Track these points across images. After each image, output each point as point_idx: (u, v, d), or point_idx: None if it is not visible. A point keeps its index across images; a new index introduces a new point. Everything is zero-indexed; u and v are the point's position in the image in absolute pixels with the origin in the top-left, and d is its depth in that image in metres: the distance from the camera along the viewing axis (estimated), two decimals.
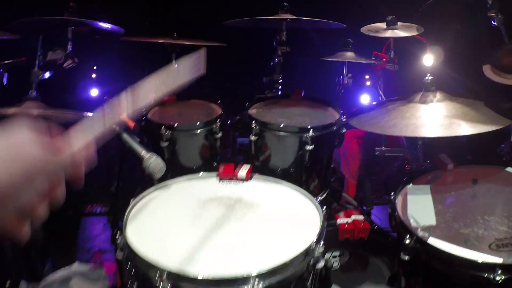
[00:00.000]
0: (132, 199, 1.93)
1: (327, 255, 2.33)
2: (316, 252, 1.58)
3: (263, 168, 2.55)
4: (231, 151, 3.02)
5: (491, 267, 1.63)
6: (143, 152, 2.07)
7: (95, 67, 3.62)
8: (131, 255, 1.57)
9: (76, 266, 1.84)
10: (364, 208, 2.88)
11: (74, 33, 3.06)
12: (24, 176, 0.80)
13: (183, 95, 3.09)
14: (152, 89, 1.05)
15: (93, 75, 3.64)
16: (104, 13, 3.31)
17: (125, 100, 1.02)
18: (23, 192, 0.81)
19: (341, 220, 2.39)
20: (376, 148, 3.15)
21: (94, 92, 4.18)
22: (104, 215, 4.23)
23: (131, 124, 2.92)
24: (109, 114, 0.98)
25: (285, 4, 3.16)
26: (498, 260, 1.70)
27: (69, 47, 2.99)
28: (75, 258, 3.72)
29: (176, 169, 2.57)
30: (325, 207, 1.83)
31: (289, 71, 3.34)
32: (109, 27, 3.14)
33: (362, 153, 3.92)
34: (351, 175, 4.51)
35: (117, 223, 2.64)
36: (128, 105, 1.01)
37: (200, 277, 1.42)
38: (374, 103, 3.36)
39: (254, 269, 1.43)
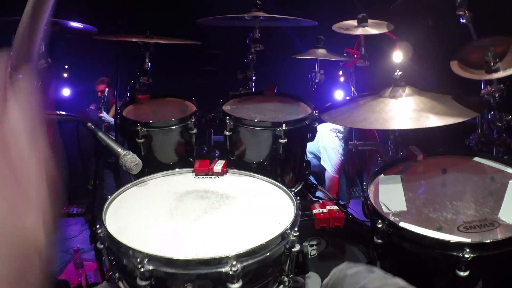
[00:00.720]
0: (109, 195, 1.94)
1: (304, 244, 2.40)
2: (291, 236, 1.62)
3: (238, 162, 2.58)
4: (206, 148, 3.04)
5: (460, 246, 1.70)
6: (119, 150, 2.09)
7: (66, 66, 3.59)
8: (112, 244, 1.59)
9: None
10: (341, 202, 2.94)
11: (45, 32, 3.05)
12: None
13: (158, 93, 3.11)
14: None
15: (65, 74, 3.62)
16: (76, 12, 3.30)
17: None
18: None
19: (317, 210, 2.44)
20: (349, 142, 3.23)
21: (66, 91, 4.17)
22: (81, 216, 4.21)
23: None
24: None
25: (258, 2, 3.20)
26: (466, 240, 1.77)
27: (42, 47, 2.98)
28: (54, 260, 3.72)
29: (153, 165, 2.59)
30: (298, 197, 1.87)
31: (262, 68, 3.38)
32: (81, 26, 3.13)
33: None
34: (335, 170, 4.60)
35: (95, 221, 2.64)
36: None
37: (180, 258, 1.45)
38: (347, 98, 3.43)
39: (232, 251, 1.47)
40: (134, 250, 1.48)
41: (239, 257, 1.46)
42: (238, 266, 1.44)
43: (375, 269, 1.91)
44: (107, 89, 4.34)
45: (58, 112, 2.52)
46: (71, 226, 4.39)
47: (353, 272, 1.91)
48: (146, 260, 1.45)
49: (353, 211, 3.14)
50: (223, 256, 1.45)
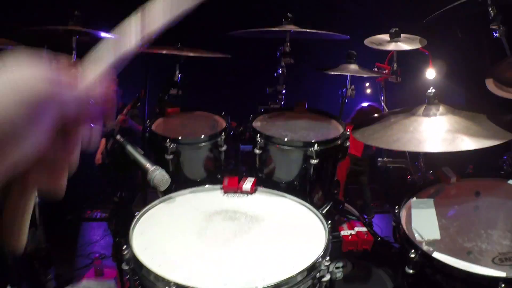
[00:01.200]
0: (136, 212, 1.93)
1: (330, 267, 2.35)
2: (322, 266, 1.59)
3: (267, 180, 2.55)
4: (233, 162, 3.02)
5: (495, 281, 1.64)
6: (148, 165, 2.08)
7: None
8: (138, 268, 1.57)
9: (85, 283, 1.87)
10: (365, 216, 2.89)
11: (78, 42, 3.07)
12: (24, 109, 0.65)
13: (187, 105, 3.10)
14: (162, 11, 0.92)
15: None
16: (108, 22, 3.31)
17: (135, 24, 0.91)
18: (30, 131, 0.66)
19: (345, 232, 2.39)
20: (379, 159, 3.17)
21: None
22: (104, 221, 4.24)
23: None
24: (120, 39, 0.87)
25: (289, 15, 3.17)
26: (501, 273, 1.71)
27: (74, 56, 3.00)
28: (75, 264, 3.74)
29: (180, 181, 2.57)
30: (329, 221, 1.84)
31: (292, 82, 3.35)
32: (112, 37, 3.14)
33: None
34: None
35: (119, 231, 2.64)
36: (138, 29, 0.89)
37: None
38: (377, 115, 3.38)
39: (260, 283, 1.44)
40: (161, 278, 1.47)
41: None
42: None
43: None
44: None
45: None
46: (93, 230, 4.41)
47: None
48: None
49: (377, 226, 3.10)
50: None
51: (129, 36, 0.87)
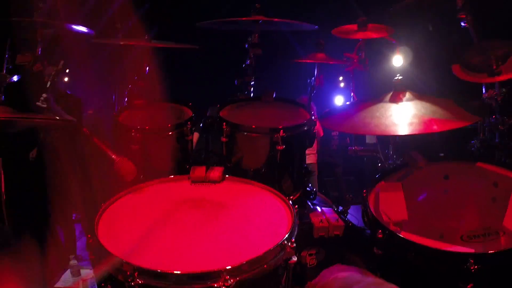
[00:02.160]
0: (102, 203, 1.90)
1: (303, 253, 2.35)
2: (288, 248, 1.58)
3: (235, 170, 2.53)
4: (204, 153, 2.99)
5: (463, 257, 1.66)
6: (114, 156, 2.05)
7: (67, 70, 3.54)
8: (104, 255, 1.54)
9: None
10: (341, 208, 2.89)
11: (42, 35, 3.00)
12: None
13: (155, 97, 3.06)
14: None
15: (66, 79, 3.57)
16: (74, 14, 3.26)
17: None
18: None
19: (315, 218, 2.39)
20: (349, 147, 3.18)
21: None
22: (79, 222, 4.17)
23: None
24: None
25: (257, 6, 3.15)
26: (470, 250, 1.73)
27: (38, 50, 2.93)
28: (51, 265, 3.67)
29: (149, 172, 2.54)
30: (296, 205, 1.83)
31: (261, 72, 3.33)
32: (79, 29, 3.09)
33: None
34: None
35: (92, 227, 2.61)
36: None
37: (171, 273, 1.41)
38: (347, 103, 3.39)
39: (225, 265, 1.42)
40: (124, 263, 1.44)
41: (232, 271, 1.42)
42: (232, 281, 1.40)
43: (368, 273, 1.87)
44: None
45: (55, 118, 2.48)
46: None
47: (345, 276, 1.87)
48: (137, 273, 1.41)
49: (353, 217, 3.11)
50: (215, 270, 1.40)
51: None
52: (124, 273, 1.42)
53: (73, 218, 4.47)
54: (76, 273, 3.59)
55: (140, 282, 1.41)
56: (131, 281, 1.40)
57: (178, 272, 1.41)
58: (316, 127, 2.67)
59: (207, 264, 1.48)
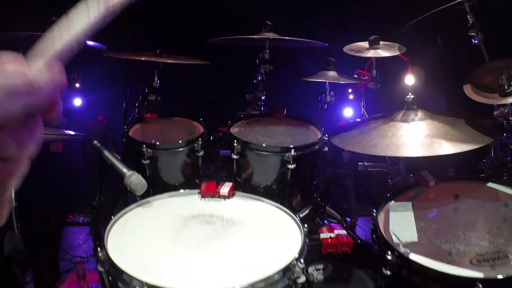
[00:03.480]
0: (113, 216, 1.91)
1: (310, 269, 2.34)
2: (297, 268, 1.57)
3: (245, 185, 2.54)
4: (213, 167, 3.00)
5: (471, 282, 1.64)
6: (125, 170, 2.06)
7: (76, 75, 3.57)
8: (112, 269, 1.55)
9: None
10: (349, 220, 2.89)
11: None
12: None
13: (166, 111, 3.08)
14: None
15: (77, 85, 3.61)
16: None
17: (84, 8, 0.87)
18: None
19: (324, 235, 2.38)
20: (359, 163, 3.17)
21: (77, 101, 4.18)
22: (86, 225, 4.19)
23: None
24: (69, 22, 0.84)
25: (268, 23, 3.18)
26: (479, 274, 1.71)
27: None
28: (57, 267, 3.68)
29: (158, 186, 2.55)
30: (306, 224, 1.83)
31: (271, 89, 3.35)
32: (91, 44, 3.12)
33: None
34: None
35: (99, 236, 2.62)
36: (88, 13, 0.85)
37: None
38: (358, 119, 3.39)
39: (235, 284, 1.42)
40: (133, 278, 1.45)
41: None
42: None
43: None
44: None
45: (65, 132, 2.50)
46: (76, 235, 4.35)
47: None
48: None
49: (361, 229, 3.10)
50: None
51: (78, 20, 0.84)
52: None
53: (81, 221, 4.52)
54: (81, 276, 3.60)
55: None
56: None
57: None
58: None
59: (216, 281, 1.48)
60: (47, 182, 3.56)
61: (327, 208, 3.05)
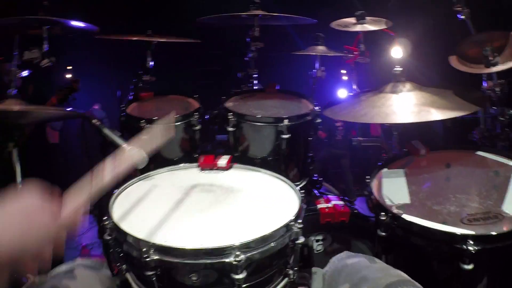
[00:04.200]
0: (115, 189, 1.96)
1: (310, 240, 2.41)
2: (295, 228, 1.64)
3: (242, 158, 2.59)
4: (210, 145, 3.05)
5: (464, 238, 1.71)
6: (125, 144, 2.10)
7: (69, 67, 3.58)
8: (119, 235, 1.61)
9: (79, 260, 1.91)
10: (346, 198, 2.95)
11: (49, 32, 3.05)
12: (34, 241, 0.90)
13: (161, 91, 3.12)
14: (131, 155, 1.15)
15: (69, 75, 3.61)
16: (78, 11, 3.31)
17: (109, 165, 1.10)
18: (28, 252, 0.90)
19: (322, 205, 2.45)
20: (353, 138, 3.24)
21: None
22: (89, 213, 4.22)
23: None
24: (96, 178, 1.05)
25: (256, 0, 3.21)
26: (470, 232, 1.79)
27: (45, 46, 2.99)
28: (62, 256, 3.72)
29: (158, 161, 2.59)
30: (303, 190, 1.89)
31: (263, 66, 3.39)
32: (83, 25, 3.14)
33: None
34: None
35: (103, 216, 2.66)
36: (111, 170, 1.08)
37: (185, 248, 1.48)
38: (349, 94, 3.45)
39: (236, 241, 1.49)
40: (140, 240, 1.51)
41: (243, 247, 1.49)
42: (242, 256, 1.47)
43: (376, 260, 1.93)
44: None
45: (64, 108, 2.54)
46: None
47: (354, 262, 1.93)
48: (152, 250, 1.48)
49: (360, 209, 3.17)
50: (227, 246, 1.47)
51: (106, 173, 1.05)
52: (141, 250, 1.49)
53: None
54: None
55: (155, 258, 1.48)
56: (147, 257, 1.47)
57: (193, 247, 1.49)
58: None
59: (218, 241, 1.54)
60: (46, 173, 3.58)
61: (325, 183, 3.12)
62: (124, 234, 1.58)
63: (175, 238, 1.58)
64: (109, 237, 1.66)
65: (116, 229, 1.62)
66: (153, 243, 1.49)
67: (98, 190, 1.02)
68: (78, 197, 1.00)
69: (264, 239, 1.54)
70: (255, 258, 1.52)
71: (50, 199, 0.94)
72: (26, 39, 3.05)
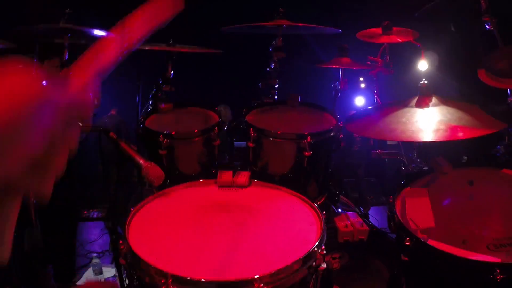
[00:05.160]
0: (131, 208, 1.93)
1: (327, 257, 2.36)
2: (317, 255, 1.59)
3: (261, 174, 2.56)
4: (228, 157, 3.02)
5: (490, 267, 1.64)
6: (142, 161, 2.08)
7: None
8: (135, 261, 1.58)
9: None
10: (362, 209, 2.90)
11: (70, 41, 3.05)
12: (18, 112, 0.72)
13: (180, 101, 3.10)
14: (141, 21, 0.98)
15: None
16: (99, 19, 3.31)
17: (118, 33, 0.96)
18: (24, 133, 0.72)
19: (340, 222, 2.40)
20: (372, 151, 3.18)
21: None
22: (101, 220, 4.23)
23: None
24: (104, 46, 0.92)
25: (281, 10, 3.17)
26: (496, 259, 1.72)
27: (66, 55, 2.99)
28: (74, 264, 3.73)
29: (175, 176, 2.57)
30: (324, 211, 1.84)
31: (285, 77, 3.35)
32: (103, 34, 3.13)
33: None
34: None
35: (116, 228, 2.65)
36: (121, 38, 0.95)
37: (203, 280, 1.44)
38: (370, 107, 3.38)
39: (257, 272, 1.44)
40: (158, 270, 1.47)
41: (264, 279, 1.44)
42: None
43: None
44: None
45: (88, 124, 2.52)
46: (90, 230, 4.39)
47: None
48: (170, 280, 1.44)
49: (374, 219, 3.11)
50: (247, 279, 1.43)
51: (112, 45, 0.93)
52: (158, 280, 1.46)
53: (95, 216, 4.56)
54: (98, 272, 3.65)
55: None
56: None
57: (213, 280, 1.45)
58: None
59: (237, 270, 1.51)
60: (62, 178, 3.57)
61: (341, 196, 3.08)
62: (141, 261, 1.54)
63: (193, 267, 1.55)
64: (124, 262, 1.63)
65: (132, 255, 1.59)
66: (171, 274, 1.45)
67: (107, 63, 0.89)
68: (85, 72, 0.87)
69: (286, 270, 1.50)
70: None
71: (44, 75, 0.77)
72: (47, 48, 3.06)
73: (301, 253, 1.55)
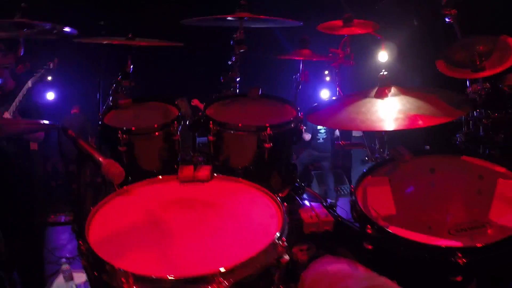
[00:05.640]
0: (91, 207, 1.88)
1: (294, 249, 2.36)
2: (279, 247, 1.58)
3: (223, 167, 2.53)
4: (190, 152, 2.98)
5: (451, 251, 1.67)
6: (101, 158, 2.03)
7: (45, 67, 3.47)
8: (96, 262, 1.54)
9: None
10: (329, 201, 2.91)
11: (25, 35, 2.95)
12: None
13: (139, 97, 3.03)
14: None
15: (49, 78, 3.51)
16: (56, 14, 3.22)
17: None
18: None
19: (305, 214, 2.40)
20: (336, 142, 3.20)
21: (50, 95, 4.09)
22: (69, 224, 4.15)
23: None
24: None
25: (242, 2, 3.14)
26: (457, 244, 1.76)
27: (21, 51, 2.89)
28: (43, 271, 3.63)
29: (136, 173, 2.52)
30: (285, 203, 1.83)
31: (247, 70, 3.33)
32: (68, 30, 3.05)
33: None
34: None
35: (82, 231, 2.59)
36: None
37: (166, 278, 1.41)
38: (333, 98, 3.40)
39: (219, 267, 1.43)
40: (120, 270, 1.44)
41: (226, 274, 1.42)
42: (226, 283, 1.41)
43: (358, 266, 1.88)
44: None
45: (40, 121, 2.45)
46: (59, 235, 4.30)
47: (335, 269, 1.87)
48: (132, 279, 1.41)
49: (342, 209, 3.13)
50: (210, 274, 1.41)
51: None
52: (120, 280, 1.42)
53: (63, 220, 4.46)
54: (68, 278, 3.57)
55: None
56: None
57: (175, 278, 1.42)
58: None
59: (200, 266, 1.48)
60: (26, 181, 3.49)
61: (307, 188, 3.08)
62: (102, 262, 1.50)
63: (155, 265, 1.52)
64: (86, 263, 1.58)
65: (93, 255, 1.55)
66: (133, 274, 1.42)
67: None
68: None
69: (248, 263, 1.48)
70: (240, 283, 1.46)
71: None
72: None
73: (261, 246, 1.53)
